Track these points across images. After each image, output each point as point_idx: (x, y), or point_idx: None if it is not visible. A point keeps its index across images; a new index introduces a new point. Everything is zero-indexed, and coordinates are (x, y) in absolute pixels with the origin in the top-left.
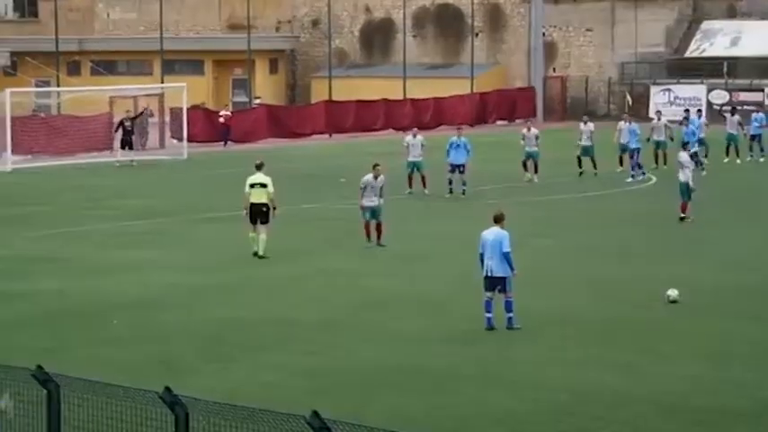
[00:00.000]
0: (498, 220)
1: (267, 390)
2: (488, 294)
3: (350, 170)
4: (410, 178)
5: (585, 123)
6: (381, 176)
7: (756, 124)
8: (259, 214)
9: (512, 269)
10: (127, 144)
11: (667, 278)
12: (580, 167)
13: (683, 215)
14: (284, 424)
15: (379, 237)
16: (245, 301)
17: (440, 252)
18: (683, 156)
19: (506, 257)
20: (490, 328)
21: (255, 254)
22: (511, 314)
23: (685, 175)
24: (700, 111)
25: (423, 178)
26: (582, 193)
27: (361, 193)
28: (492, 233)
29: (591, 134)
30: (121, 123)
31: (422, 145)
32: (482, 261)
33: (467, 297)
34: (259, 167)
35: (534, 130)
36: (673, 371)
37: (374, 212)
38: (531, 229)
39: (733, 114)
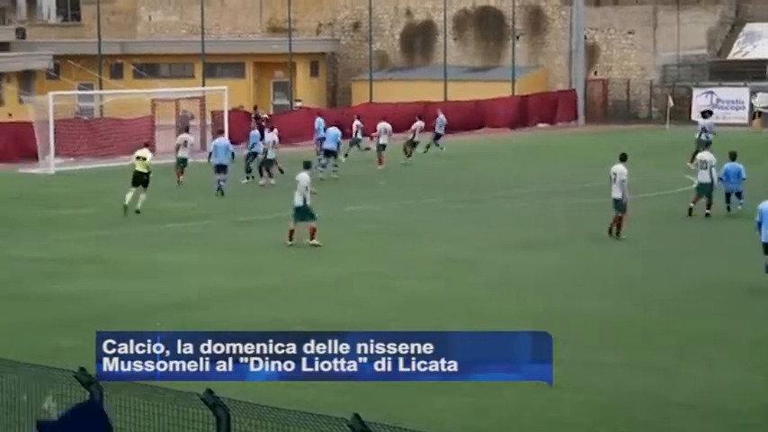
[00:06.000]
0: None
1: (297, 391)
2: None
3: (391, 173)
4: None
5: None
6: None
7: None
8: (140, 181)
9: None
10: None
11: (707, 279)
12: None
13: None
14: (325, 426)
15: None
16: (282, 303)
17: (477, 255)
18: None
19: None
20: None
21: (137, 211)
22: None
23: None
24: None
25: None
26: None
27: None
28: None
29: None
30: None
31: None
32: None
33: (503, 297)
34: (146, 145)
35: None
36: (713, 374)
37: None
38: (571, 229)
39: None
